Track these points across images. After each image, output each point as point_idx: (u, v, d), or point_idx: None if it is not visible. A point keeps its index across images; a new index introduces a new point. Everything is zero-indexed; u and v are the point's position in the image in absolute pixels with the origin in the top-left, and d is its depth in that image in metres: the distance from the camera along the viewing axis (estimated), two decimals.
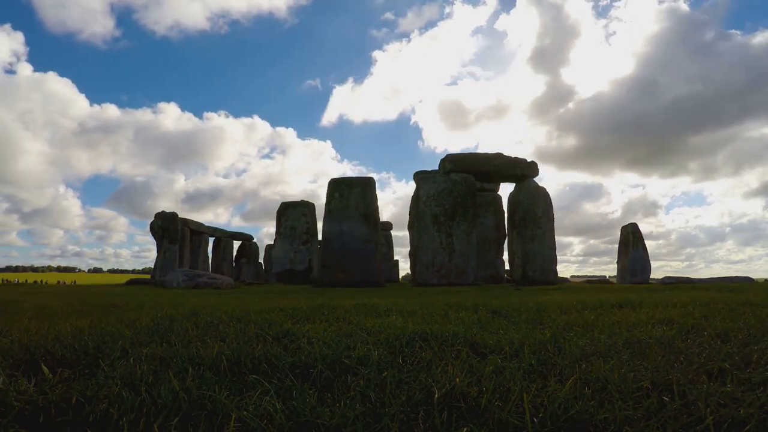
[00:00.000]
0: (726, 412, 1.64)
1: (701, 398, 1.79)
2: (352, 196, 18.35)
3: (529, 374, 2.18)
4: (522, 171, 19.14)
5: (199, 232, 33.75)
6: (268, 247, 35.31)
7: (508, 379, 2.04)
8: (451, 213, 17.46)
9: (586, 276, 76.10)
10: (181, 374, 2.17)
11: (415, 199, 18.28)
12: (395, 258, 35.85)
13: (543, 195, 18.97)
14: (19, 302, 7.30)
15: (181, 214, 30.26)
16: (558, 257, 18.98)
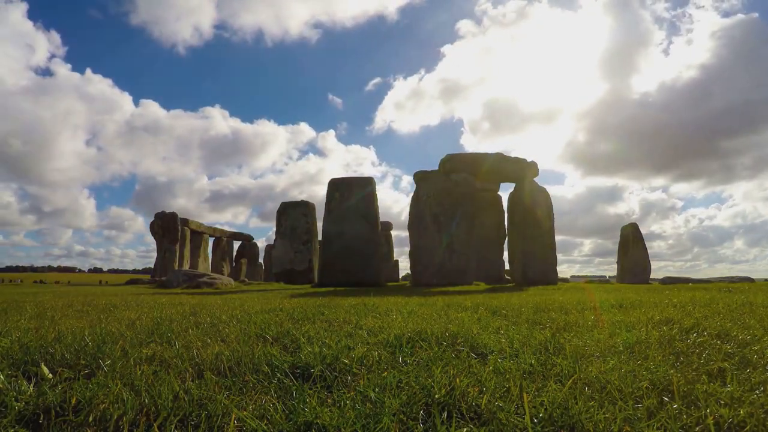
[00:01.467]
0: (726, 412, 1.64)
1: (701, 398, 1.79)
2: (352, 196, 18.35)
3: (529, 374, 2.18)
4: (522, 171, 19.13)
5: (199, 232, 33.75)
6: (268, 247, 35.32)
7: (508, 380, 2.04)
8: (451, 213, 17.45)
9: (586, 276, 76.10)
10: (182, 375, 2.17)
11: (415, 199, 18.27)
12: (395, 258, 35.85)
13: (543, 195, 18.96)
14: (19, 302, 7.30)
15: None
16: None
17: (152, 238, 30.00)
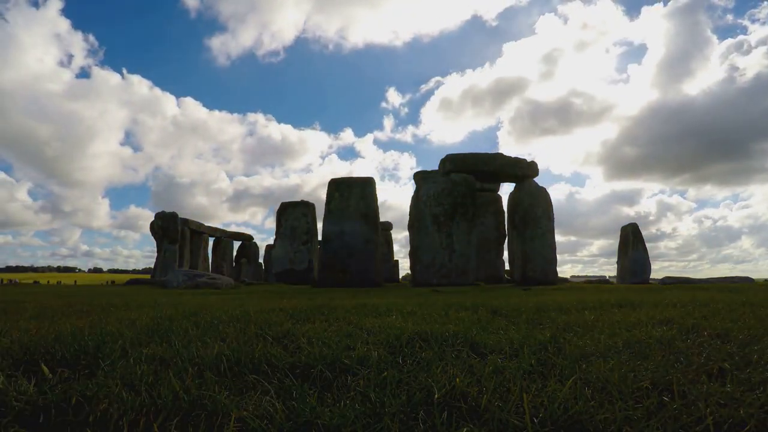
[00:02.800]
0: (726, 412, 1.64)
1: (701, 398, 1.79)
2: (352, 196, 18.35)
3: (529, 374, 2.18)
4: (522, 171, 19.13)
5: (199, 232, 33.75)
6: (268, 247, 35.31)
7: (508, 379, 2.04)
8: (451, 213, 17.46)
9: (586, 276, 76.11)
10: (181, 374, 2.17)
11: (415, 199, 18.28)
12: (395, 258, 35.85)
13: (543, 195, 18.97)
14: (19, 302, 7.30)
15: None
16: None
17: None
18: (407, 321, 3.91)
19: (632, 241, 27.06)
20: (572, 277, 56.70)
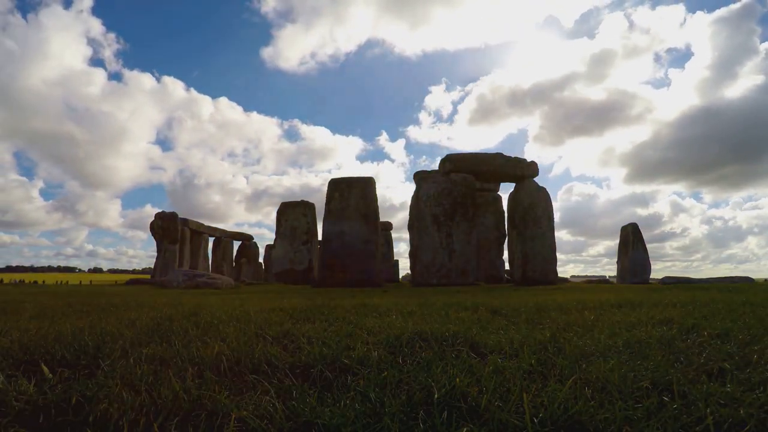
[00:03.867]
0: (726, 412, 1.64)
1: (701, 398, 1.79)
2: (352, 196, 18.34)
3: (529, 374, 2.18)
4: (522, 171, 19.13)
5: (199, 232, 33.75)
6: (268, 247, 35.31)
7: (508, 379, 2.04)
8: (451, 213, 17.46)
9: (586, 276, 76.11)
10: (181, 374, 2.17)
11: (415, 199, 18.27)
12: (395, 258, 35.85)
13: (543, 195, 18.97)
14: (19, 302, 7.30)
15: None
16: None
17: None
18: (407, 321, 3.91)
19: (632, 241, 27.06)
20: (572, 277, 56.68)
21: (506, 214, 20.63)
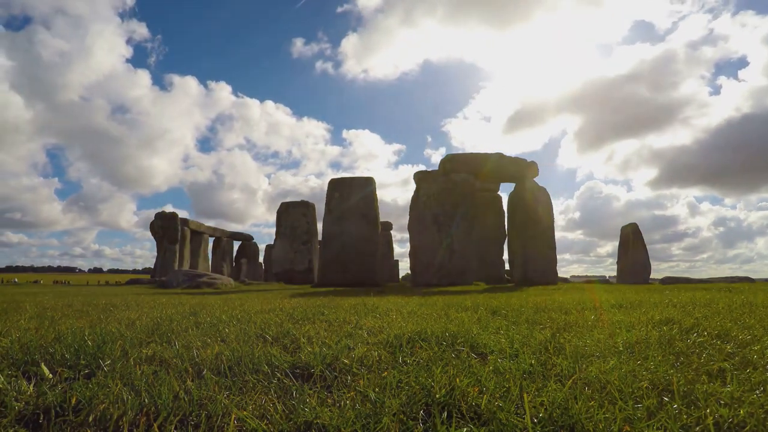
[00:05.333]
0: (726, 412, 1.64)
1: (701, 398, 1.79)
2: (352, 196, 18.34)
3: (529, 374, 2.18)
4: (522, 171, 19.13)
5: (199, 232, 33.74)
6: (268, 247, 35.32)
7: (508, 380, 2.04)
8: (451, 213, 17.45)
9: (586, 276, 76.10)
10: (181, 374, 2.17)
11: (415, 199, 18.27)
12: (395, 258, 35.86)
13: (543, 195, 18.96)
14: (19, 302, 7.31)
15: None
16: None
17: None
18: (407, 321, 3.91)
19: (632, 241, 27.07)
20: (572, 276, 56.70)
21: (506, 214, 20.63)
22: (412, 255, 18.24)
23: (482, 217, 21.08)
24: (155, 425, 1.61)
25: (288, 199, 26.13)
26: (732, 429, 1.57)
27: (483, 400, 1.76)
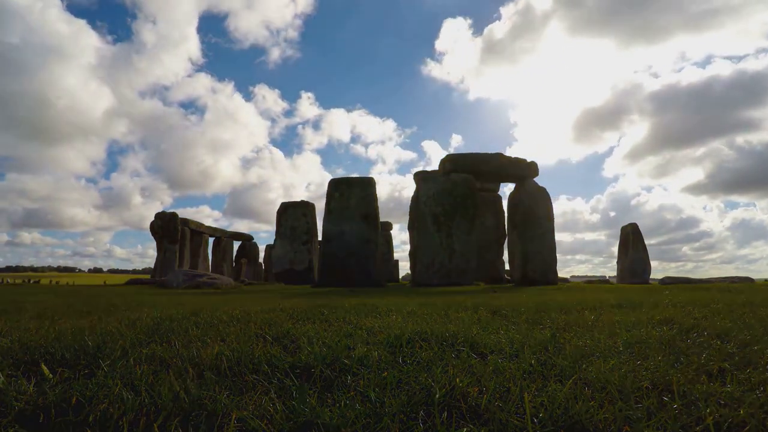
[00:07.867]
0: (726, 412, 1.64)
1: (701, 398, 1.79)
2: (352, 196, 18.34)
3: (529, 374, 2.18)
4: (522, 171, 19.12)
5: (199, 232, 33.74)
6: (268, 247, 35.31)
7: (508, 379, 2.04)
8: (451, 213, 17.45)
9: (586, 276, 76.10)
10: (182, 374, 2.17)
11: (415, 199, 18.27)
12: (395, 258, 35.85)
13: (543, 195, 18.96)
14: (19, 302, 7.30)
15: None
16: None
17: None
18: (407, 321, 3.91)
19: (632, 241, 27.07)
20: (572, 277, 56.69)
21: (506, 215, 20.62)
22: (412, 255, 18.24)
23: (482, 217, 21.07)
24: (155, 425, 1.61)
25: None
26: (732, 429, 1.57)
27: (483, 399, 1.76)
